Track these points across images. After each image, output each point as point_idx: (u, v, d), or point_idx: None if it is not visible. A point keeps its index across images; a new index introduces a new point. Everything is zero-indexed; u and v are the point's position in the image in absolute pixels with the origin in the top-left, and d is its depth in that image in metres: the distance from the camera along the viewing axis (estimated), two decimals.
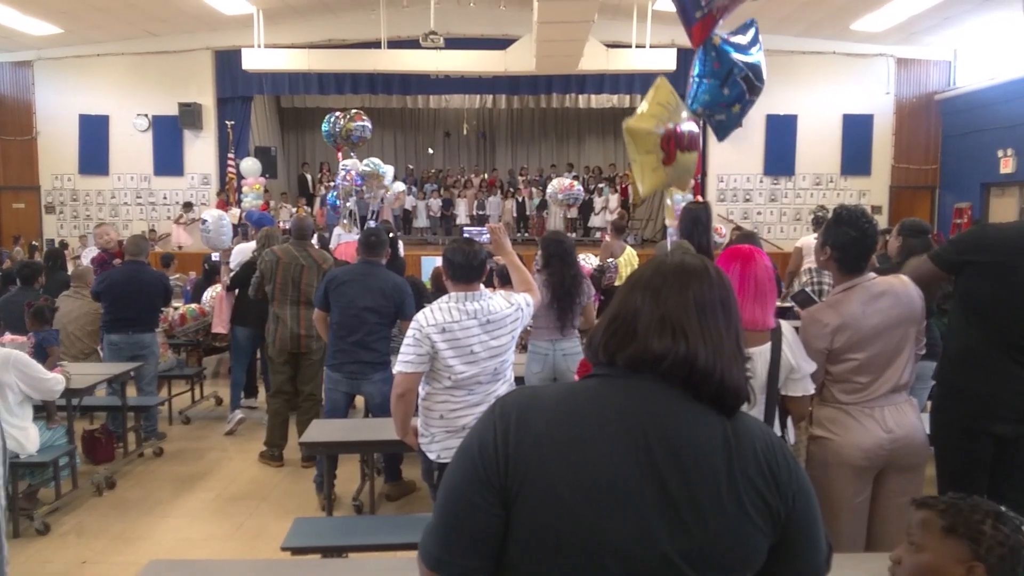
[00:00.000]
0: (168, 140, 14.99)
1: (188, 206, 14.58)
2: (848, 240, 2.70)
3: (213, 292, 7.13)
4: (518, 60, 12.63)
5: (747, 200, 15.09)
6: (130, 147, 15.00)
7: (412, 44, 12.65)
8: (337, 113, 9.77)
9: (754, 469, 1.16)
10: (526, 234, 16.56)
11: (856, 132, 14.73)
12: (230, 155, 14.40)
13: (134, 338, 5.82)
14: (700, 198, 4.56)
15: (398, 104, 18.34)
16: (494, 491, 1.13)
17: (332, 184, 13.04)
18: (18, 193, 15.27)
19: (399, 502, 4.81)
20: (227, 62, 14.55)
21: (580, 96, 16.94)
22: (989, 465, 2.85)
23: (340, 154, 10.00)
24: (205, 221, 7.02)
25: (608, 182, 16.97)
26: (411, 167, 18.86)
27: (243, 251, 6.71)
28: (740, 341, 1.25)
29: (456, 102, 18.40)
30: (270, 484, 5.15)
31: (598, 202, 16.28)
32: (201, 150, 15.11)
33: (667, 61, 12.28)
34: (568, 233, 14.14)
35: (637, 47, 12.53)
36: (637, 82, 14.55)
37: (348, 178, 9.05)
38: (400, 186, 9.20)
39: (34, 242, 14.08)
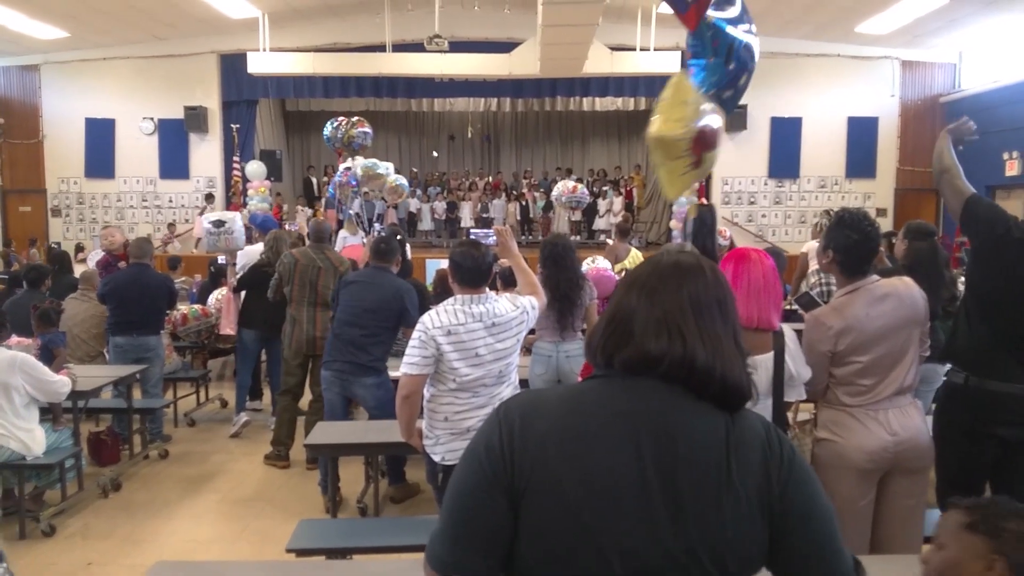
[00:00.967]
0: (174, 143, 15.04)
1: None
2: (850, 243, 2.70)
3: (219, 295, 7.15)
4: (522, 63, 12.65)
5: (751, 203, 15.08)
6: (136, 150, 15.05)
7: (416, 47, 12.67)
8: (340, 118, 9.79)
9: (757, 466, 1.17)
10: (530, 236, 16.58)
11: (861, 135, 14.71)
12: (235, 158, 14.44)
13: (139, 340, 5.84)
14: (704, 200, 4.55)
15: (403, 107, 18.37)
16: (502, 490, 1.14)
17: (326, 181, 13.11)
18: (24, 196, 15.33)
19: (403, 504, 4.82)
20: (232, 66, 14.59)
21: (584, 99, 16.94)
22: (990, 468, 2.84)
23: (340, 159, 10.02)
24: (222, 224, 7.00)
25: (612, 185, 16.98)
26: (416, 170, 18.89)
27: (249, 254, 6.74)
28: (739, 339, 1.25)
29: (460, 105, 18.42)
30: (275, 486, 5.16)
31: (602, 205, 16.29)
32: (207, 153, 15.16)
33: (672, 64, 12.29)
34: (572, 236, 14.17)
35: (641, 50, 12.53)
36: (642, 85, 14.56)
37: (345, 176, 9.08)
38: (400, 178, 9.17)
39: (53, 244, 14.09)
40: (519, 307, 3.16)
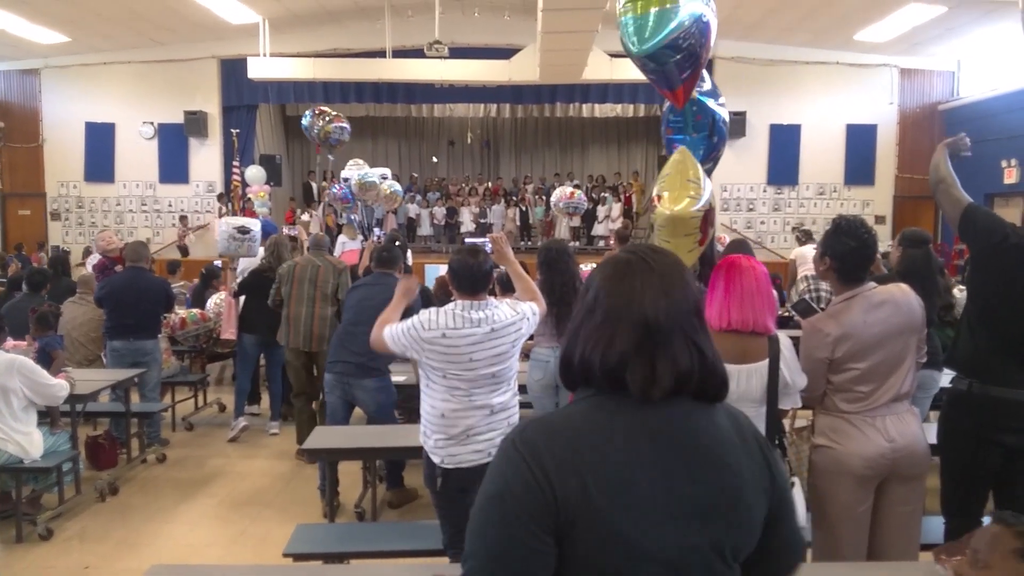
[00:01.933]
0: (173, 148, 15.06)
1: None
2: (847, 250, 2.71)
3: (218, 299, 7.15)
4: (522, 70, 12.68)
5: (750, 209, 15.10)
6: (136, 155, 15.07)
7: (417, 53, 12.71)
8: (318, 109, 9.78)
9: (756, 453, 1.23)
10: (529, 242, 16.59)
11: (860, 142, 14.75)
12: (235, 163, 14.44)
13: (135, 344, 5.82)
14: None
15: (402, 113, 18.41)
16: (548, 529, 1.10)
17: (326, 187, 13.05)
18: (24, 200, 15.34)
19: (401, 509, 4.81)
20: (233, 71, 14.63)
21: (584, 105, 16.98)
22: (994, 475, 2.85)
23: (318, 151, 10.07)
24: (248, 231, 7.00)
25: (611, 191, 17.01)
26: (415, 175, 18.92)
27: (250, 258, 6.75)
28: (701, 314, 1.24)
29: (460, 111, 18.46)
30: (273, 491, 5.15)
31: (601, 211, 16.31)
32: (206, 158, 15.19)
33: None
34: (571, 242, 14.18)
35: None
36: (641, 92, 14.60)
37: (340, 191, 9.12)
38: (395, 184, 9.19)
39: (63, 248, 14.07)
40: (519, 313, 3.16)
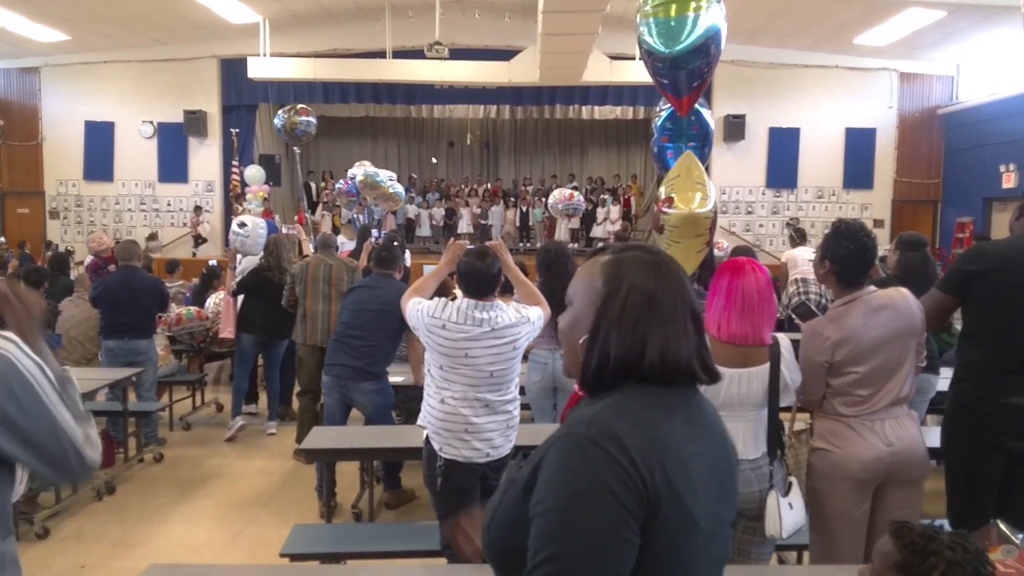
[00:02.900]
0: (173, 147, 15.05)
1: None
2: (847, 253, 2.71)
3: (217, 298, 7.15)
4: (522, 71, 12.69)
5: (749, 212, 15.12)
6: (135, 154, 15.06)
7: (417, 54, 12.71)
8: (290, 106, 9.80)
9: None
10: (528, 244, 16.60)
11: (859, 146, 14.76)
12: (234, 163, 14.45)
13: (129, 344, 5.79)
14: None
15: (402, 114, 18.42)
16: (639, 519, 1.11)
17: (324, 187, 13.07)
18: (23, 198, 15.33)
19: (398, 510, 4.81)
20: (232, 70, 14.62)
21: (583, 107, 17.00)
22: (999, 481, 2.84)
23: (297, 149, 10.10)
24: (244, 225, 7.01)
25: (611, 193, 17.02)
26: (415, 176, 18.93)
27: (249, 258, 6.75)
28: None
29: (460, 112, 18.48)
30: (270, 491, 5.15)
31: (600, 213, 16.32)
32: (206, 157, 15.18)
33: None
34: (570, 243, 14.20)
35: (641, 59, 12.55)
36: (641, 94, 14.61)
37: (345, 184, 9.11)
38: (397, 186, 9.18)
39: (70, 247, 14.02)
40: (523, 316, 3.19)
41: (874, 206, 14.89)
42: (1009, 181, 12.38)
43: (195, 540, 4.41)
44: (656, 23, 3.28)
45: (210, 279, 7.79)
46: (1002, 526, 2.04)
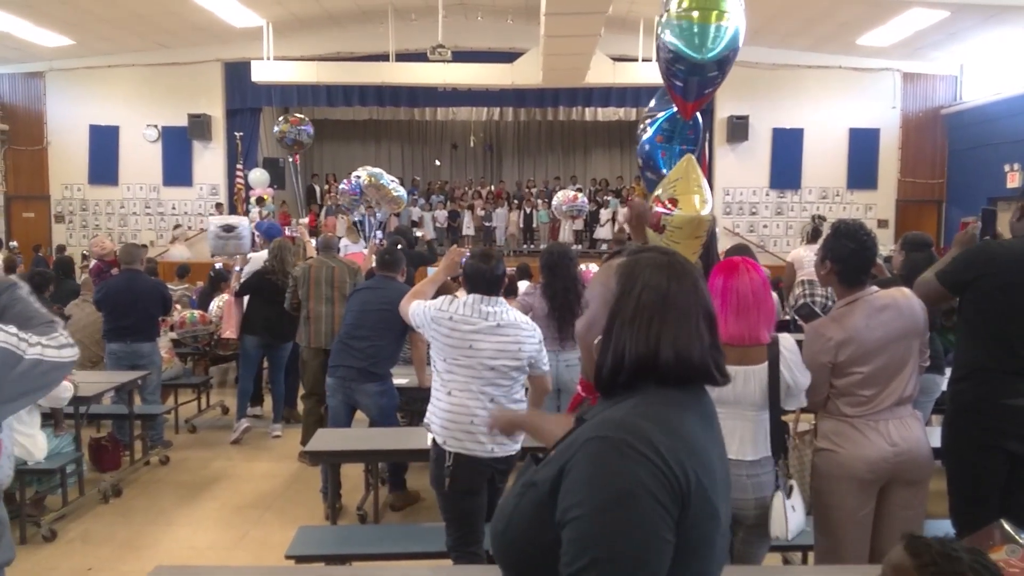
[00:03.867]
0: (177, 151, 15.09)
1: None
2: (847, 252, 2.71)
3: (220, 301, 7.17)
4: (525, 73, 12.71)
5: (753, 213, 15.10)
6: (139, 157, 15.10)
7: (420, 57, 12.74)
8: (286, 116, 9.87)
9: None
10: (532, 246, 16.61)
11: (862, 146, 14.75)
12: (239, 166, 14.47)
13: (132, 347, 5.82)
14: None
15: (405, 116, 18.44)
16: (675, 518, 1.11)
17: (328, 189, 13.09)
18: (28, 202, 15.38)
19: (403, 512, 4.82)
20: (236, 74, 14.66)
21: (587, 109, 17.01)
22: (1001, 482, 2.84)
23: (296, 160, 10.15)
24: (233, 228, 7.02)
25: (615, 194, 17.01)
26: (418, 179, 18.95)
27: (256, 261, 6.78)
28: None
29: (463, 114, 18.50)
30: (275, 493, 5.16)
31: (604, 214, 16.31)
32: (210, 161, 15.22)
33: None
34: (574, 245, 14.20)
35: (644, 61, 12.59)
36: (644, 96, 14.57)
37: (348, 184, 9.13)
38: (400, 189, 9.20)
39: (84, 252, 14.04)
40: (531, 326, 3.25)
41: (878, 206, 14.87)
42: (1014, 180, 12.35)
43: (201, 542, 4.42)
44: (687, 27, 3.35)
45: (217, 282, 7.83)
46: (1006, 526, 2.04)
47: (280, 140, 9.57)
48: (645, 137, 4.26)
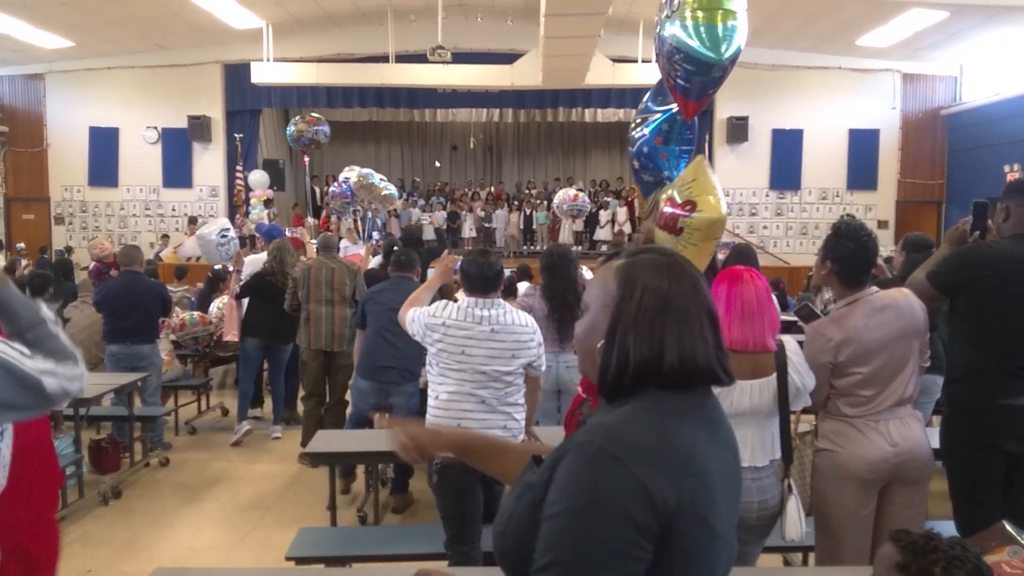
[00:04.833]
0: (177, 152, 15.11)
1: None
2: (847, 252, 2.71)
3: (220, 303, 7.17)
4: (525, 74, 12.72)
5: (753, 214, 15.11)
6: (139, 159, 15.11)
7: (419, 58, 12.74)
8: (297, 117, 9.89)
9: None
10: (531, 247, 16.61)
11: (862, 147, 14.76)
12: (238, 167, 14.48)
13: (132, 349, 5.80)
14: None
15: (405, 118, 18.44)
16: (648, 534, 1.08)
17: (326, 190, 13.06)
18: (28, 204, 15.38)
19: (403, 514, 4.81)
20: (236, 75, 14.68)
21: (586, 110, 17.01)
22: (1001, 482, 2.83)
23: (304, 163, 10.17)
24: (229, 230, 7.02)
25: (615, 195, 17.01)
26: (418, 180, 18.95)
27: (255, 262, 6.77)
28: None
29: (463, 116, 18.50)
30: (275, 495, 5.16)
31: (604, 215, 16.31)
32: (210, 162, 15.23)
33: None
34: (574, 246, 14.21)
35: (643, 62, 12.61)
36: (643, 97, 14.58)
37: (339, 187, 9.15)
38: (390, 187, 9.21)
39: (70, 250, 14.07)
40: (531, 327, 3.21)
41: (878, 207, 14.88)
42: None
43: (201, 544, 4.41)
44: (702, 27, 3.33)
45: (215, 283, 7.82)
46: (1008, 527, 2.03)
47: (296, 140, 9.54)
48: (642, 138, 4.24)
